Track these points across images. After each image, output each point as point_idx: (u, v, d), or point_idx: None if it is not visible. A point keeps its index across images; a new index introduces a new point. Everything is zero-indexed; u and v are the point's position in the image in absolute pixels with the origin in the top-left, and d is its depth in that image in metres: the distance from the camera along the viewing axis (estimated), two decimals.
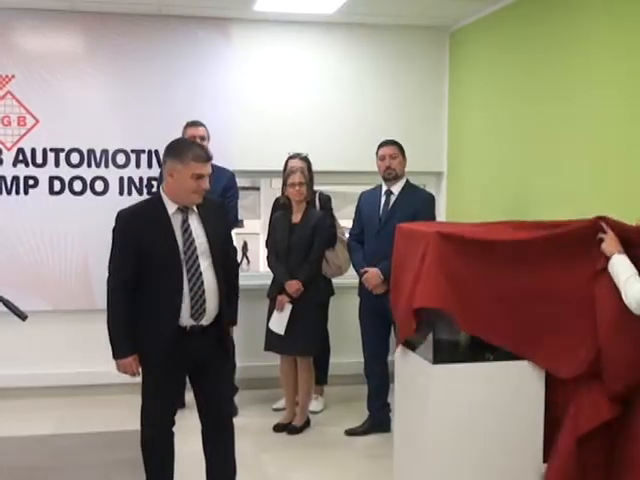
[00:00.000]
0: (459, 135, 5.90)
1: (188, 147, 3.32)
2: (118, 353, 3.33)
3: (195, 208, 3.35)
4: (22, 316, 2.93)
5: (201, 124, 5.20)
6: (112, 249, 3.35)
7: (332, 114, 5.94)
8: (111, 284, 3.35)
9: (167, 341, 3.26)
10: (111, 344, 3.34)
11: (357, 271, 4.89)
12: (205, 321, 3.32)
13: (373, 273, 4.69)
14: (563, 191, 4.39)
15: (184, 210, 3.31)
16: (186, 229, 3.28)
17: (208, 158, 3.31)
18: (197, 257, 3.27)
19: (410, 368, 3.59)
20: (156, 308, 3.26)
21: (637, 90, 3.73)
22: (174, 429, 3.45)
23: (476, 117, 5.61)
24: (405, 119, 5.97)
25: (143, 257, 3.24)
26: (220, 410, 3.48)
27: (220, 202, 3.56)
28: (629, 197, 3.80)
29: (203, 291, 3.27)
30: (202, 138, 5.16)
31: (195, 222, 3.33)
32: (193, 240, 3.28)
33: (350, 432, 4.86)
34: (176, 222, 3.29)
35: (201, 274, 3.27)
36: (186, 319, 3.28)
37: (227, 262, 3.52)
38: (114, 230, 3.35)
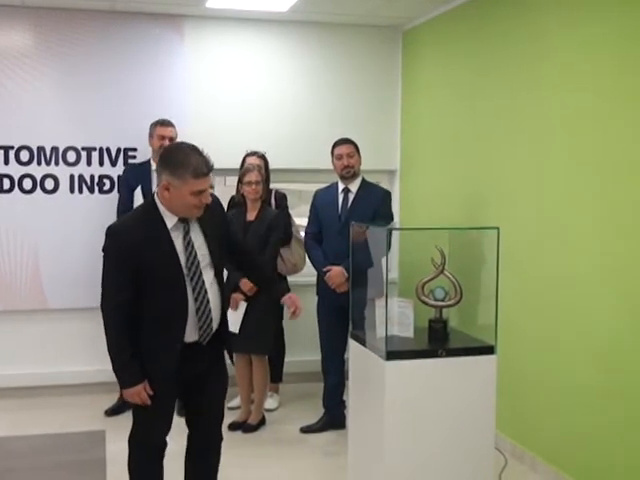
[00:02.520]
0: (412, 133, 5.96)
1: (187, 160, 2.92)
2: (126, 382, 3.04)
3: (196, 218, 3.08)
4: None
5: (170, 124, 5.20)
6: (105, 269, 3.03)
7: (286, 112, 5.95)
8: (109, 307, 3.02)
9: (170, 363, 3.03)
10: (116, 373, 3.06)
11: (318, 269, 4.89)
12: (208, 337, 3.13)
13: (337, 271, 4.69)
14: (515, 189, 4.47)
15: (184, 221, 3.04)
16: (188, 242, 3.03)
17: (209, 171, 2.96)
18: (201, 272, 3.04)
19: (363, 364, 3.62)
20: (157, 328, 3.01)
21: (588, 87, 3.82)
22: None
23: (429, 115, 5.67)
24: (358, 117, 6.01)
25: (142, 276, 2.96)
26: (211, 429, 3.31)
27: (214, 197, 3.30)
28: (580, 194, 3.89)
29: (210, 309, 3.06)
30: (171, 139, 5.14)
31: (196, 232, 3.07)
32: (196, 254, 3.03)
33: (305, 429, 4.88)
34: (176, 235, 3.02)
35: (206, 291, 3.04)
36: (189, 337, 3.06)
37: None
38: (106, 249, 3.03)
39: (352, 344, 3.77)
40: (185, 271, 3.01)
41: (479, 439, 3.43)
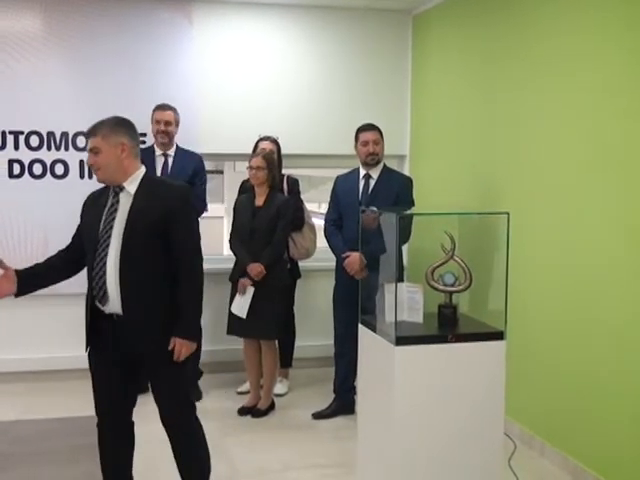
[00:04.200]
0: (422, 118, 5.93)
1: None
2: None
3: (132, 190, 3.13)
4: None
5: (169, 107, 5.17)
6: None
7: (296, 97, 5.94)
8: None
9: (87, 324, 3.18)
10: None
11: (337, 255, 4.87)
12: (114, 309, 3.11)
13: (355, 257, 4.65)
14: (527, 174, 4.45)
15: (116, 193, 3.15)
16: (111, 213, 3.12)
17: (88, 133, 3.12)
18: (107, 245, 3.08)
19: (373, 349, 3.62)
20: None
21: (606, 77, 3.77)
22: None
23: (439, 101, 5.64)
24: (368, 102, 5.98)
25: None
26: (163, 416, 3.29)
27: (182, 189, 3.37)
28: (592, 179, 3.87)
29: (105, 284, 3.07)
30: (167, 123, 5.13)
31: (125, 207, 3.12)
32: (112, 227, 3.09)
33: (317, 415, 4.88)
34: (109, 204, 3.15)
35: (105, 264, 3.07)
36: (105, 308, 3.13)
37: (174, 247, 3.17)
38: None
39: (361, 329, 3.77)
40: (99, 239, 3.10)
41: (488, 424, 3.42)
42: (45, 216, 5.46)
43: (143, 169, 3.21)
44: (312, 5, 5.81)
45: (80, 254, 3.23)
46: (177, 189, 3.29)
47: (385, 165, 4.89)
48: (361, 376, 3.82)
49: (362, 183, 4.84)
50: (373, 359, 3.63)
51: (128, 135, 3.16)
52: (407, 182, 4.90)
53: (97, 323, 3.17)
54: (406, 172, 6.12)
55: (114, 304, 3.11)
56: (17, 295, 3.21)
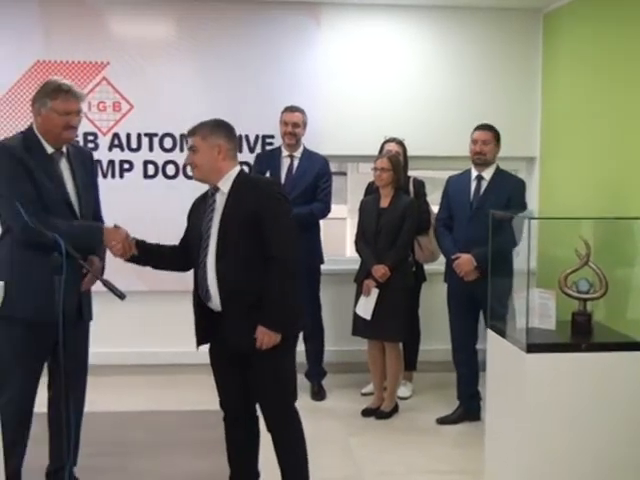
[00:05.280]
0: (553, 119, 5.75)
1: None
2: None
3: (225, 189, 3.26)
4: (121, 296, 3.01)
5: (298, 109, 5.23)
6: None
7: (423, 98, 5.88)
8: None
9: (196, 322, 3.37)
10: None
11: (447, 256, 4.84)
12: (217, 307, 3.24)
13: (465, 259, 4.62)
14: None
15: (212, 191, 3.34)
16: (210, 212, 3.29)
17: (189, 132, 3.29)
18: (209, 240, 3.25)
19: (502, 356, 3.54)
20: None
21: None
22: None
23: (572, 102, 5.45)
24: (496, 103, 5.85)
25: None
26: (263, 414, 3.36)
27: (272, 185, 3.47)
28: None
29: (205, 272, 3.24)
30: (295, 125, 5.19)
31: (220, 204, 3.27)
32: (210, 221, 3.27)
33: (441, 420, 4.81)
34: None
35: (206, 255, 3.25)
36: None
37: (265, 243, 3.21)
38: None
39: (490, 335, 3.70)
40: (201, 240, 3.26)
41: (625, 439, 3.28)
42: (177, 215, 5.61)
43: (237, 168, 3.30)
44: (439, 5, 5.75)
45: (186, 256, 3.37)
46: (267, 186, 3.38)
47: (498, 167, 4.80)
48: (489, 383, 3.74)
49: (474, 184, 4.77)
50: (502, 366, 3.55)
51: (226, 137, 3.26)
52: (520, 185, 4.79)
53: (209, 320, 3.28)
54: (536, 174, 5.98)
55: (215, 302, 3.22)
56: (128, 260, 3.40)
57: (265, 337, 3.15)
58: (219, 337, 3.27)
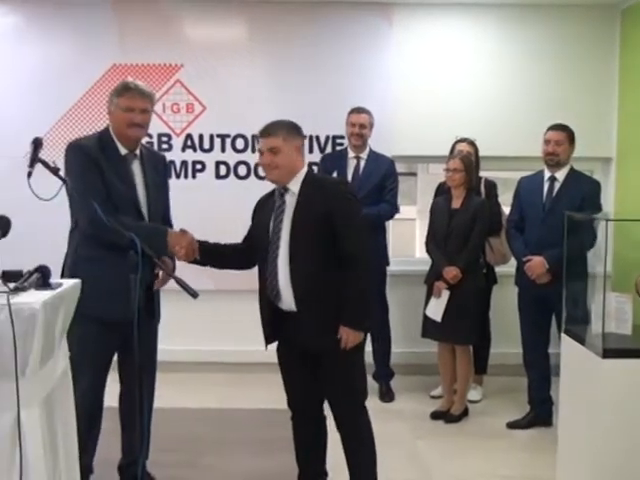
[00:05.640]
0: (631, 119, 5.58)
1: None
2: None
3: (296, 189, 3.27)
4: (194, 295, 3.04)
5: (364, 111, 5.21)
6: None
7: (493, 98, 5.81)
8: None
9: (264, 321, 3.39)
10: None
11: (518, 259, 4.76)
12: (288, 306, 3.25)
13: (537, 262, 4.52)
14: None
15: (281, 192, 3.35)
16: (280, 213, 3.30)
17: (265, 132, 3.25)
18: (279, 241, 3.27)
19: (577, 361, 3.45)
20: None
21: None
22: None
23: None
24: (571, 102, 5.72)
25: None
26: (333, 413, 3.36)
27: (341, 185, 3.51)
28: None
29: (276, 273, 3.26)
30: (362, 126, 5.18)
31: (290, 204, 3.28)
32: (281, 222, 3.27)
33: (512, 425, 4.72)
34: (275, 205, 3.36)
35: (277, 256, 3.27)
36: None
37: (340, 242, 3.24)
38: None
39: (564, 339, 3.61)
40: (269, 241, 3.28)
41: None
42: (249, 216, 5.67)
43: (306, 168, 3.30)
44: (512, 4, 5.67)
45: (249, 254, 3.40)
46: (337, 185, 3.42)
47: (572, 168, 4.68)
48: (563, 388, 3.65)
49: (546, 185, 4.67)
50: (577, 371, 3.46)
51: (301, 137, 3.31)
52: (595, 186, 4.66)
53: (278, 319, 3.29)
54: (612, 175, 5.82)
55: (287, 302, 3.22)
56: (192, 262, 3.43)
57: (350, 336, 3.16)
58: (290, 336, 3.27)
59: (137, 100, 3.38)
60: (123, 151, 3.41)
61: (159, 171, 3.60)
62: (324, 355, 3.22)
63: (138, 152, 3.47)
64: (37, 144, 2.97)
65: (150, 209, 3.46)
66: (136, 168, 3.45)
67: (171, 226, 3.64)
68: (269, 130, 3.23)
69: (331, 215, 3.14)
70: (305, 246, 3.16)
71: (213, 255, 3.46)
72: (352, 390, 3.30)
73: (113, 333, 3.30)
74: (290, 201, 3.24)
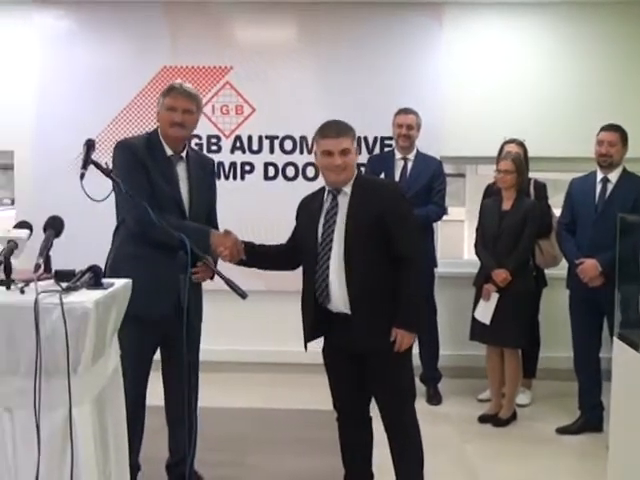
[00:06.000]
0: None
1: None
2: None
3: (348, 190, 3.26)
4: (243, 295, 3.06)
5: (412, 111, 5.17)
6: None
7: (544, 98, 5.73)
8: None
9: (307, 322, 3.37)
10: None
11: (569, 261, 4.68)
12: (339, 308, 3.23)
13: (590, 264, 4.44)
14: None
15: (334, 193, 3.30)
16: (332, 214, 3.28)
17: (336, 132, 3.19)
18: (332, 243, 3.24)
19: (630, 367, 3.37)
20: None
21: None
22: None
23: None
24: (624, 102, 5.61)
25: None
26: (382, 413, 3.34)
27: (394, 185, 3.62)
28: None
29: (327, 274, 3.25)
30: (409, 127, 5.14)
31: (343, 205, 3.29)
32: (333, 224, 3.25)
33: (562, 430, 4.64)
34: (324, 206, 3.31)
35: (328, 258, 3.25)
36: None
37: (394, 243, 3.25)
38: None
39: (617, 344, 3.52)
40: (320, 242, 3.26)
41: None
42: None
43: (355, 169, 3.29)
44: (562, 2, 5.59)
45: (294, 255, 3.39)
46: (390, 186, 3.46)
47: (624, 169, 4.59)
48: (615, 394, 3.56)
49: (599, 187, 4.58)
50: (630, 376, 3.37)
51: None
52: None
53: (324, 321, 3.27)
54: None
55: (338, 303, 3.20)
56: (238, 264, 3.41)
57: (404, 338, 3.15)
58: (339, 338, 3.25)
59: (180, 100, 3.38)
60: (169, 152, 3.42)
61: (206, 174, 3.59)
62: (374, 355, 3.21)
63: (184, 155, 3.47)
64: (90, 146, 3.02)
65: (192, 210, 3.44)
66: (181, 170, 3.45)
67: (217, 228, 3.63)
68: (340, 131, 3.20)
69: (384, 216, 3.14)
70: (360, 247, 3.14)
71: (258, 256, 3.46)
72: (401, 390, 3.28)
73: (152, 331, 3.32)
74: (342, 202, 3.23)
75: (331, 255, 3.19)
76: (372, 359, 3.22)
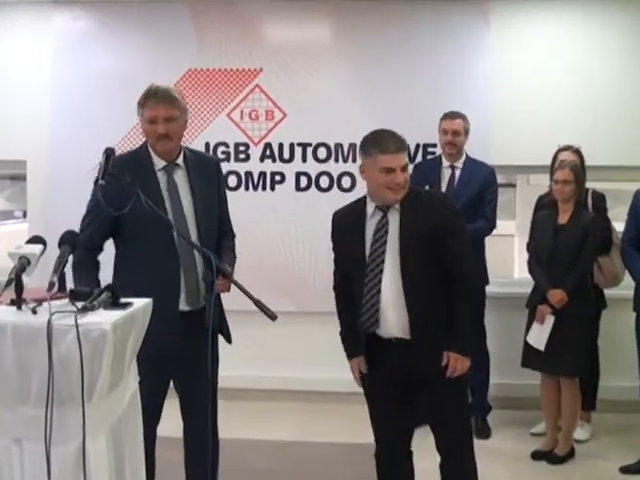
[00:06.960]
0: None
1: (376, 138, 3.19)
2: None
3: (397, 205, 3.21)
4: (272, 317, 3.02)
5: (459, 116, 5.14)
6: None
7: (601, 102, 5.65)
8: None
9: (352, 347, 3.42)
10: None
11: (637, 281, 4.59)
12: (390, 332, 3.21)
13: None
14: None
15: (383, 210, 3.19)
16: (383, 233, 3.21)
17: (397, 147, 3.11)
18: (382, 264, 3.20)
19: None
20: None
21: None
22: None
23: None
24: None
25: None
26: (439, 446, 3.32)
27: (446, 198, 3.55)
28: None
29: (378, 299, 3.21)
30: (455, 133, 5.10)
31: (394, 221, 3.22)
32: (385, 244, 3.17)
33: (625, 469, 4.53)
34: (369, 223, 3.22)
35: (379, 281, 3.20)
36: None
37: (449, 260, 3.24)
38: None
39: None
40: (368, 263, 3.22)
41: None
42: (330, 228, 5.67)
43: None
44: None
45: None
46: (442, 199, 3.43)
47: None
48: None
49: None
50: None
51: None
52: None
53: (369, 347, 3.25)
54: None
55: (390, 327, 3.17)
56: None
57: (459, 364, 3.13)
58: (393, 364, 3.20)
59: (159, 108, 3.23)
60: (160, 164, 3.32)
61: (210, 178, 3.47)
62: (429, 384, 3.18)
63: (181, 161, 3.38)
64: (109, 155, 3.01)
65: (200, 222, 3.34)
66: (180, 179, 3.35)
67: (233, 235, 3.58)
68: (400, 145, 3.15)
69: (438, 231, 3.12)
70: (418, 267, 3.13)
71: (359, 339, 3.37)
72: (462, 419, 3.28)
73: (163, 358, 3.23)
74: (393, 219, 3.19)
75: (382, 278, 3.15)
76: (427, 387, 3.19)
